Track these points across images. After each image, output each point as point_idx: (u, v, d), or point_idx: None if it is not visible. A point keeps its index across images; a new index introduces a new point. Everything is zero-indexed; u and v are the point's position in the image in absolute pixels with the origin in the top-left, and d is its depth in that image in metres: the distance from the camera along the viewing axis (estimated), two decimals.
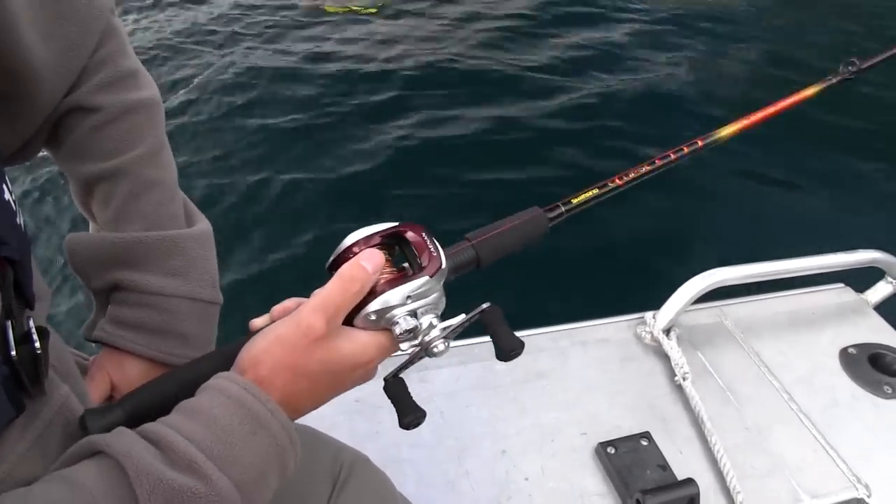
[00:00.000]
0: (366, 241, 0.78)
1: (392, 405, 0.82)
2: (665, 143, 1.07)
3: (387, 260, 0.79)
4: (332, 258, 0.78)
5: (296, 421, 0.78)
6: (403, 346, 0.77)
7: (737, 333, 1.75)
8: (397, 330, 0.75)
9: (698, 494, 1.29)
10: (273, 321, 0.77)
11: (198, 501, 0.62)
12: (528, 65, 5.47)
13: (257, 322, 0.80)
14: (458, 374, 1.56)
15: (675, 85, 5.22)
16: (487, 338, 1.65)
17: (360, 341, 0.76)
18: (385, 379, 0.82)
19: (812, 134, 4.46)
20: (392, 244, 0.81)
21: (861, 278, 1.92)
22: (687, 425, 1.50)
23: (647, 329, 1.69)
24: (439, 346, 0.77)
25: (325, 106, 4.93)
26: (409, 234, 0.79)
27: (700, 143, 1.11)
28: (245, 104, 4.99)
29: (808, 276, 1.81)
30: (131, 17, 6.65)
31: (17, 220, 0.69)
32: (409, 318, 0.75)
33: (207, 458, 0.64)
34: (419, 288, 0.76)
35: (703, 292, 1.65)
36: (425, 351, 0.78)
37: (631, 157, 4.04)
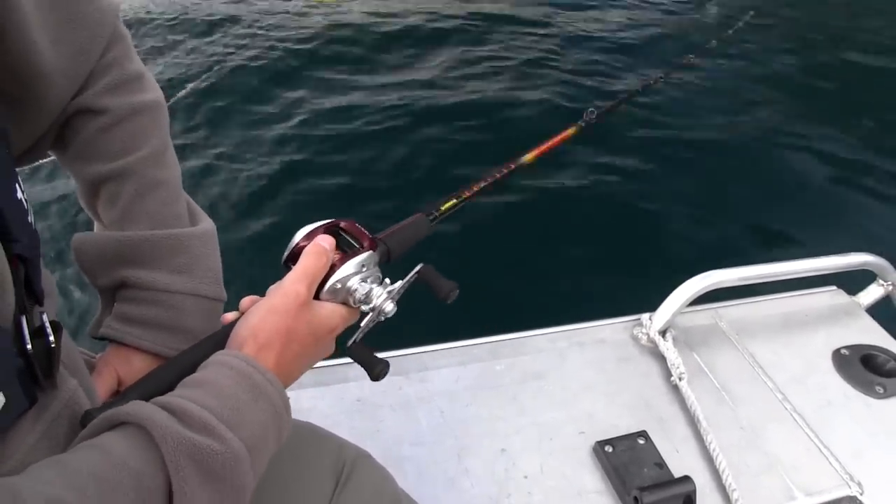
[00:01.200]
0: (311, 235, 0.92)
1: (363, 368, 0.92)
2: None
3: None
4: (287, 253, 0.91)
5: (298, 418, 0.82)
6: (364, 308, 0.91)
7: (732, 335, 1.77)
8: (356, 296, 0.89)
9: (695, 492, 1.31)
10: (243, 313, 0.85)
11: (216, 458, 0.66)
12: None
13: (229, 316, 0.88)
14: (457, 375, 1.57)
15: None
16: (486, 339, 1.68)
17: (328, 308, 0.87)
18: (348, 346, 0.92)
19: (809, 137, 4.50)
20: (332, 234, 0.93)
21: (853, 281, 1.94)
22: (683, 424, 1.52)
23: (644, 330, 1.71)
24: (388, 305, 0.91)
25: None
26: (344, 225, 0.95)
27: (513, 166, 1.33)
28: (224, 106, 5.02)
29: (801, 279, 1.83)
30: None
31: (29, 218, 0.71)
32: (363, 283, 0.90)
33: (220, 421, 0.68)
34: (366, 260, 0.91)
35: (699, 294, 1.67)
36: (378, 313, 0.91)
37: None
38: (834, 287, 1.97)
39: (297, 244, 0.91)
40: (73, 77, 0.90)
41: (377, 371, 0.90)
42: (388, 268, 0.97)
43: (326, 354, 0.90)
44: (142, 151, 0.95)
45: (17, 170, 0.72)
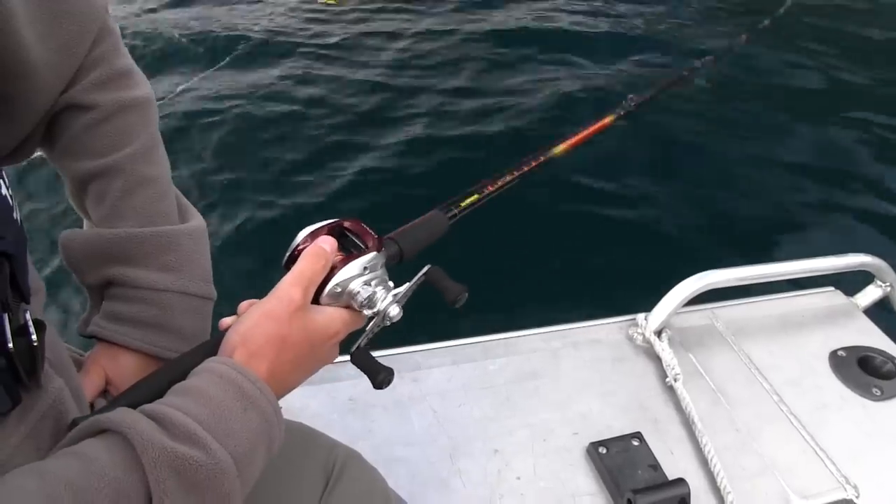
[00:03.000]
0: (313, 235, 0.88)
1: (366, 375, 0.90)
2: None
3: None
4: (287, 254, 0.88)
5: (290, 418, 0.80)
6: (367, 312, 0.88)
7: (728, 335, 1.76)
8: (359, 299, 0.86)
9: (689, 494, 1.30)
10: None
11: (200, 470, 0.65)
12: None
13: (226, 321, 0.85)
14: (450, 374, 1.56)
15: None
16: (479, 338, 1.67)
17: (327, 313, 0.84)
18: (351, 352, 0.90)
19: (804, 139, 4.49)
20: (336, 235, 0.90)
21: (851, 282, 1.94)
22: (678, 426, 1.51)
23: (639, 330, 1.70)
24: (394, 309, 0.88)
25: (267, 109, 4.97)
26: (348, 224, 0.91)
27: (543, 158, 1.33)
28: (222, 108, 5.00)
29: (798, 280, 1.82)
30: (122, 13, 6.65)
31: (14, 215, 0.71)
32: (366, 286, 0.86)
33: (206, 431, 0.67)
34: (371, 261, 0.87)
35: (695, 294, 1.67)
36: (382, 318, 0.88)
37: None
38: (831, 288, 1.96)
39: (298, 245, 0.87)
40: (61, 73, 0.89)
41: (380, 379, 0.88)
42: (398, 269, 0.94)
43: (328, 361, 0.87)
44: (130, 148, 0.95)
45: (5, 167, 0.72)
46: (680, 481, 1.32)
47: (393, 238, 0.94)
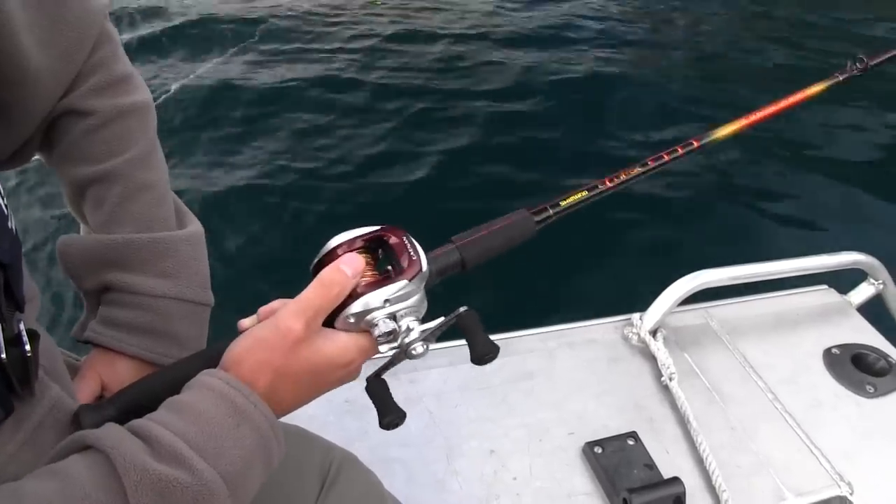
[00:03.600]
0: (349, 244, 0.81)
1: (375, 408, 0.85)
2: (651, 146, 1.07)
3: (368, 263, 0.81)
4: (316, 260, 0.81)
5: (285, 420, 0.80)
6: (383, 348, 0.79)
7: (722, 334, 1.77)
8: (376, 332, 0.77)
9: (684, 493, 1.30)
10: (260, 321, 0.79)
11: (185, 492, 0.63)
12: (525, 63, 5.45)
13: (245, 322, 0.82)
14: (446, 375, 1.57)
15: (668, 84, 5.20)
16: None
17: (340, 342, 0.78)
18: (367, 379, 0.85)
19: (798, 139, 4.50)
20: (375, 248, 0.83)
21: (844, 280, 1.94)
22: (673, 425, 1.51)
23: (634, 330, 1.70)
24: (418, 348, 0.79)
25: (316, 107, 4.92)
26: (391, 239, 0.82)
27: (696, 144, 1.09)
28: (236, 106, 4.98)
29: (792, 278, 1.83)
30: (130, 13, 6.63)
31: (9, 223, 0.71)
32: (387, 320, 0.77)
33: (193, 450, 0.65)
34: (398, 291, 0.77)
35: (690, 294, 1.67)
36: (404, 353, 0.80)
37: (617, 160, 4.06)
38: (825, 286, 1.97)
39: (329, 252, 0.81)
40: (61, 78, 0.90)
41: (387, 421, 0.83)
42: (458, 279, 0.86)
43: (344, 383, 0.83)
44: (128, 154, 0.95)
45: (2, 173, 0.72)
46: (675, 480, 1.32)
47: (457, 244, 0.86)
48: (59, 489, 0.60)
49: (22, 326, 0.68)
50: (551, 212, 0.94)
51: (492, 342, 0.82)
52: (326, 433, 1.13)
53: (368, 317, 0.77)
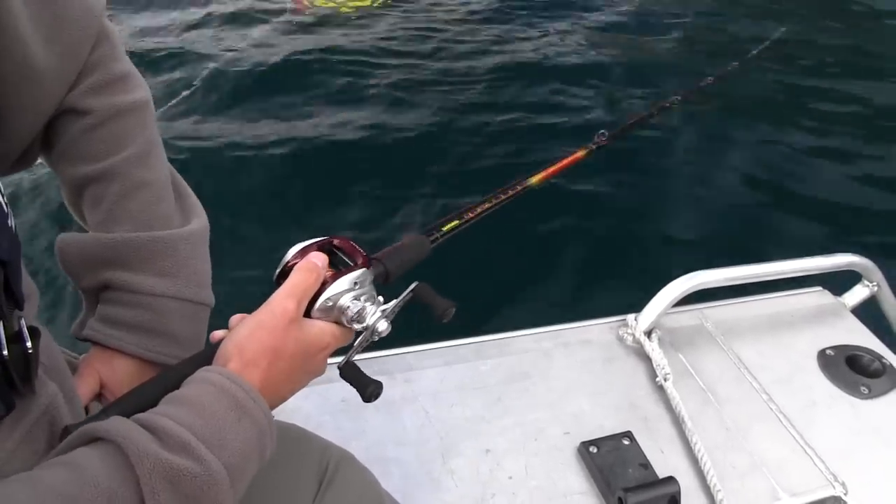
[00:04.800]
0: (303, 252, 0.91)
1: (354, 388, 0.92)
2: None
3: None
4: (278, 270, 0.90)
5: (282, 419, 0.81)
6: (356, 327, 0.89)
7: (717, 335, 1.77)
8: (348, 314, 0.88)
9: (679, 492, 1.31)
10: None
11: (193, 481, 0.65)
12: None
13: (219, 334, 0.86)
14: (442, 375, 1.57)
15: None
16: (471, 339, 1.68)
17: (319, 326, 0.86)
18: (339, 367, 0.91)
19: (791, 142, 4.52)
20: (325, 253, 0.92)
21: (839, 282, 1.95)
22: (668, 425, 1.52)
23: (630, 331, 1.71)
24: (382, 324, 0.90)
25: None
26: (338, 242, 0.94)
27: (520, 188, 1.37)
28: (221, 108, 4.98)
29: (787, 280, 1.84)
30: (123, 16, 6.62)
31: (9, 222, 0.71)
32: (356, 301, 0.89)
33: (200, 441, 0.67)
34: (360, 277, 0.90)
35: (684, 295, 1.68)
36: (371, 333, 0.90)
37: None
38: (819, 288, 1.98)
39: (289, 261, 0.90)
40: (65, 77, 0.90)
41: (369, 392, 0.90)
42: (385, 290, 0.96)
43: (317, 374, 0.88)
44: (126, 152, 0.95)
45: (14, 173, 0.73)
46: (670, 479, 1.33)
47: (379, 259, 0.97)
48: (73, 478, 0.61)
49: (23, 323, 0.69)
50: (438, 235, 1.15)
51: (448, 300, 0.95)
52: (323, 433, 1.14)
53: (340, 301, 0.88)
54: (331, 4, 6.67)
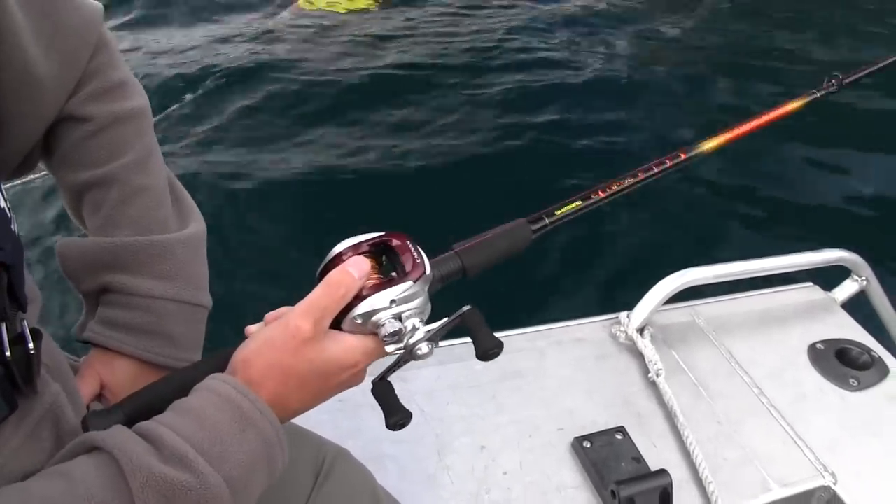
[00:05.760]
0: (354, 249, 0.82)
1: (379, 406, 0.86)
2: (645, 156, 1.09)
3: (373, 267, 0.82)
4: (322, 266, 0.82)
5: None
6: (389, 348, 0.81)
7: (709, 331, 1.80)
8: (382, 332, 0.79)
9: (671, 484, 1.33)
10: (267, 326, 0.80)
11: (189, 495, 0.65)
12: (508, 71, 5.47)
13: (252, 328, 0.83)
14: (438, 374, 1.60)
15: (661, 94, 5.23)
16: (466, 339, 1.69)
17: (346, 343, 0.79)
18: (373, 382, 0.86)
19: (782, 142, 4.52)
20: (379, 253, 0.85)
21: (830, 277, 1.97)
22: (661, 420, 1.54)
23: (622, 328, 1.73)
24: (423, 348, 0.81)
25: (315, 111, 4.93)
26: (395, 243, 0.83)
27: (683, 156, 1.14)
28: (237, 108, 4.98)
29: (777, 276, 1.86)
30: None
31: (12, 226, 0.73)
32: (393, 321, 0.79)
33: (198, 454, 0.66)
34: (404, 292, 0.79)
35: (676, 292, 1.70)
36: (410, 353, 0.82)
37: (612, 167, 4.08)
38: (810, 283, 2.00)
39: (335, 257, 0.82)
40: (65, 84, 0.92)
41: (393, 421, 0.85)
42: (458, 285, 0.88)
43: (347, 388, 0.83)
44: (125, 158, 0.97)
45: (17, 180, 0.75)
46: (662, 472, 1.35)
47: (458, 252, 0.88)
48: (66, 490, 0.62)
49: (25, 325, 0.71)
50: (547, 220, 0.98)
51: (496, 338, 0.84)
52: (320, 431, 1.16)
53: (375, 317, 0.78)
54: (331, 9, 6.67)
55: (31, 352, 0.70)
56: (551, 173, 4.11)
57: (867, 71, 1.53)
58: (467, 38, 6.01)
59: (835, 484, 1.43)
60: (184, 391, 0.75)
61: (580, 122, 4.73)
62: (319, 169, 4.26)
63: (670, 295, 1.70)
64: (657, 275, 1.73)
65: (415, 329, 0.81)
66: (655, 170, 1.10)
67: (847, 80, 1.47)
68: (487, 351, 0.85)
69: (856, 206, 4.02)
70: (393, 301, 0.79)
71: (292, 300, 0.79)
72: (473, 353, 1.56)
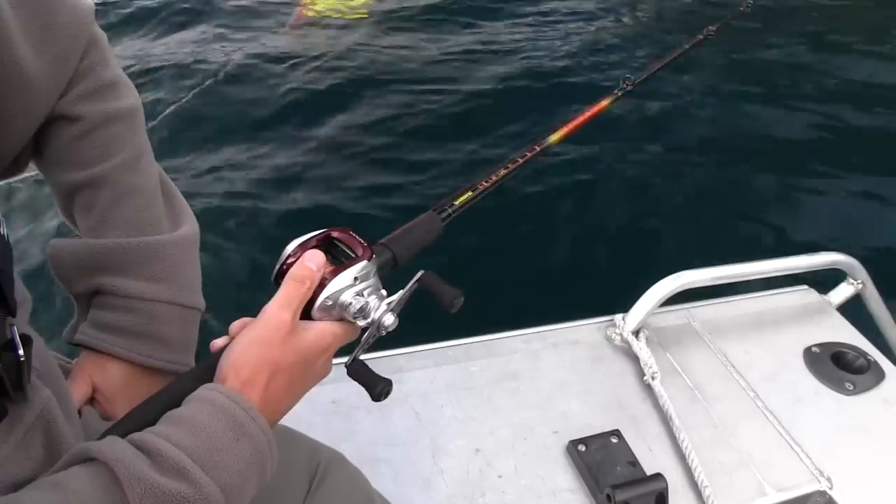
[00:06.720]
0: (301, 248, 0.86)
1: (363, 388, 0.88)
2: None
3: (326, 260, 0.86)
4: (276, 269, 0.85)
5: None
6: (361, 323, 0.85)
7: (704, 334, 1.79)
8: (351, 310, 0.83)
9: (667, 489, 1.33)
10: (233, 338, 0.81)
11: None
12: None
13: (219, 342, 0.83)
14: (432, 376, 1.59)
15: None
16: (460, 341, 1.69)
17: (318, 328, 0.82)
18: (346, 365, 0.88)
19: (774, 141, 4.53)
20: (326, 248, 0.88)
21: (825, 280, 1.97)
22: (656, 423, 1.54)
23: (617, 331, 1.73)
24: (389, 318, 0.86)
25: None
26: (337, 234, 0.89)
27: (538, 149, 1.29)
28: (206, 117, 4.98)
29: (773, 279, 1.86)
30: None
31: (2, 229, 0.72)
32: (358, 297, 0.84)
33: (195, 463, 0.66)
34: (361, 270, 0.85)
35: (671, 294, 1.70)
36: (378, 328, 0.86)
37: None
38: (805, 286, 2.00)
39: (287, 258, 0.85)
40: (56, 83, 0.90)
41: (378, 391, 0.86)
42: (394, 276, 0.92)
43: (321, 377, 0.85)
44: (116, 158, 0.95)
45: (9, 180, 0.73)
46: (658, 476, 1.35)
47: (385, 244, 0.93)
48: (61, 501, 0.61)
49: (15, 331, 0.69)
50: (450, 210, 1.04)
51: (455, 289, 0.90)
52: (314, 434, 1.15)
53: (341, 298, 0.83)
54: (332, 13, 6.66)
55: (21, 359, 0.68)
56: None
57: (656, 68, 1.79)
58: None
59: (830, 489, 1.43)
60: (173, 405, 0.75)
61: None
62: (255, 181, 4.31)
63: (666, 297, 1.69)
64: (653, 277, 1.73)
65: (378, 301, 0.86)
66: (520, 160, 1.22)
67: (638, 81, 1.68)
68: (452, 300, 0.90)
69: (855, 206, 4.03)
70: (356, 278, 0.84)
71: (252, 310, 0.82)
72: (468, 355, 1.57)
